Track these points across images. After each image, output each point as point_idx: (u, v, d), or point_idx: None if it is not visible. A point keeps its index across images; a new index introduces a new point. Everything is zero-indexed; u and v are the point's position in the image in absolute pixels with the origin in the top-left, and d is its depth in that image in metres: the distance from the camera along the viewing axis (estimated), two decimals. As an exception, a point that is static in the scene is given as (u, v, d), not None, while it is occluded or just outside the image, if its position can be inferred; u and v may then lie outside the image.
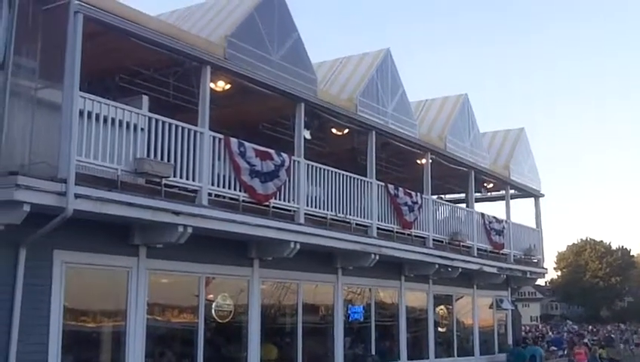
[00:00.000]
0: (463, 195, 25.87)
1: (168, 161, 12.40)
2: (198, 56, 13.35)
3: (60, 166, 10.54)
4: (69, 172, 10.49)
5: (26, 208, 10.07)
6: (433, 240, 20.24)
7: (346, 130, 18.28)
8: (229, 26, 14.60)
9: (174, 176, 12.48)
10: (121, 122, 11.62)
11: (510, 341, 27.09)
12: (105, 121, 11.33)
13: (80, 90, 10.89)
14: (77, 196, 10.56)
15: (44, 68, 11.25)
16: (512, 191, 26.39)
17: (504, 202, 25.94)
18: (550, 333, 61.06)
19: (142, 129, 12.05)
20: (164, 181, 12.27)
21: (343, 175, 16.85)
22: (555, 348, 36.90)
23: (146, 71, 14.34)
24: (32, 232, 10.62)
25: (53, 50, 11.09)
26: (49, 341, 11.18)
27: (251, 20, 14.91)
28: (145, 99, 12.63)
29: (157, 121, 12.30)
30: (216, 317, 14.72)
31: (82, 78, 10.96)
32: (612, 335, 53.98)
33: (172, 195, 12.51)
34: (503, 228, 24.38)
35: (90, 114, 11.07)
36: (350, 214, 16.97)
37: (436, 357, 21.84)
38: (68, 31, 10.88)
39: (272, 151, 14.78)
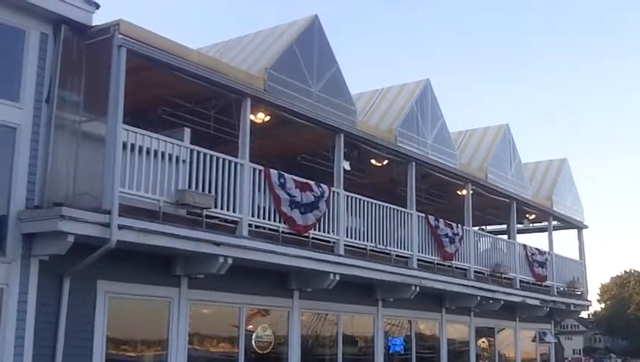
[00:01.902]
0: (504, 226, 25.59)
1: (209, 192, 12.50)
2: (238, 88, 13.49)
3: (103, 197, 10.69)
4: (112, 203, 10.62)
5: (71, 239, 10.22)
6: (475, 271, 20.02)
7: (386, 161, 18.25)
8: (269, 58, 14.76)
9: (215, 208, 12.56)
10: (163, 154, 11.77)
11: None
12: (147, 153, 11.49)
13: (123, 122, 11.07)
14: (120, 227, 10.69)
15: (88, 101, 11.47)
16: (554, 223, 26.03)
17: (547, 233, 25.60)
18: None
19: (183, 161, 12.18)
20: (205, 212, 12.37)
21: (382, 206, 16.80)
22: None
23: (188, 103, 14.52)
24: (76, 263, 10.75)
25: (97, 84, 11.31)
26: (92, 370, 11.28)
27: (291, 52, 15.07)
28: (187, 131, 12.78)
29: (198, 152, 12.43)
30: (256, 348, 14.69)
31: (125, 111, 11.14)
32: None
33: (213, 226, 12.59)
34: (546, 259, 24.03)
35: (133, 146, 11.23)
36: (390, 245, 16.88)
37: (478, 391, 21.50)
38: (111, 65, 11.10)
39: (311, 182, 14.81)
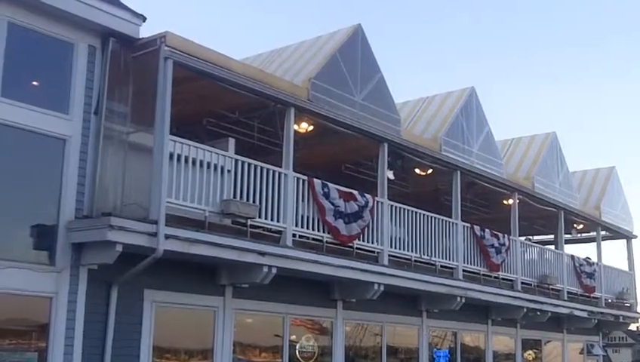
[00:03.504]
0: (551, 237, 25.25)
1: (254, 202, 12.57)
2: (282, 98, 13.56)
3: (151, 207, 10.82)
4: (159, 213, 10.74)
5: (119, 248, 10.35)
6: (521, 283, 19.76)
7: (430, 170, 18.13)
8: (313, 68, 14.81)
9: (259, 217, 12.63)
10: (208, 164, 11.88)
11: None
12: (193, 163, 11.60)
13: (169, 133, 11.20)
14: (167, 236, 10.79)
15: (136, 112, 11.64)
16: (603, 233, 25.59)
17: (595, 243, 25.17)
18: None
19: (228, 171, 12.27)
20: (249, 222, 12.43)
21: (427, 216, 16.70)
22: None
23: (232, 114, 14.62)
24: (123, 272, 10.89)
25: (144, 95, 11.47)
26: (138, 378, 11.41)
27: (334, 62, 15.10)
28: (231, 141, 12.88)
29: (243, 162, 12.50)
30: (300, 359, 14.69)
31: (171, 122, 11.27)
32: None
33: (257, 236, 12.65)
34: (595, 270, 23.63)
35: (179, 156, 11.36)
36: (435, 256, 16.76)
37: (525, 404, 21.19)
38: (158, 76, 11.23)
39: (355, 191, 14.80)
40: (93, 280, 10.86)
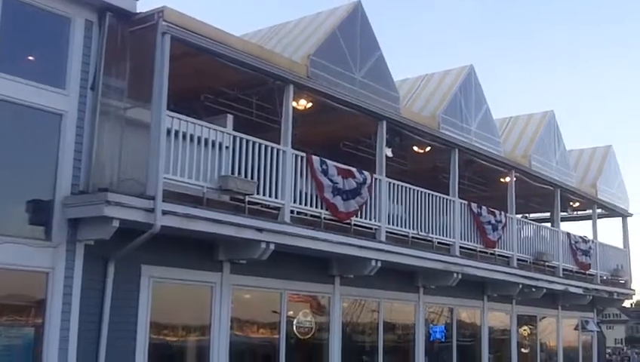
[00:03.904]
0: (547, 214, 25.33)
1: (252, 178, 12.55)
2: (281, 75, 13.49)
3: (148, 183, 10.79)
4: (156, 189, 10.71)
5: (115, 224, 10.34)
6: (517, 259, 19.83)
7: (428, 148, 18.13)
8: (312, 44, 14.72)
9: (257, 194, 12.61)
10: (206, 141, 11.84)
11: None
12: (191, 139, 11.56)
13: (167, 109, 11.14)
14: (164, 212, 10.77)
15: (133, 88, 11.57)
16: (599, 211, 25.66)
17: (591, 221, 25.25)
18: (635, 356, 59.06)
19: (226, 147, 12.23)
20: (247, 198, 12.42)
21: (424, 193, 16.70)
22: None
23: (231, 90, 14.56)
24: (120, 248, 10.89)
25: (142, 71, 11.39)
26: (136, 354, 11.44)
27: (334, 38, 15.00)
28: (230, 118, 12.84)
29: (241, 139, 12.46)
30: (297, 334, 14.76)
31: (169, 98, 11.20)
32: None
33: (255, 212, 12.64)
34: (590, 248, 23.71)
35: (177, 132, 11.32)
36: (432, 232, 16.80)
37: (519, 379, 21.36)
38: (156, 52, 11.15)
39: (353, 169, 14.78)
40: (90, 255, 10.86)
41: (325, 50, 14.66)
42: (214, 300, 12.91)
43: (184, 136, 11.44)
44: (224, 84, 14.28)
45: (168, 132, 11.12)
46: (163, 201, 10.77)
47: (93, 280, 10.91)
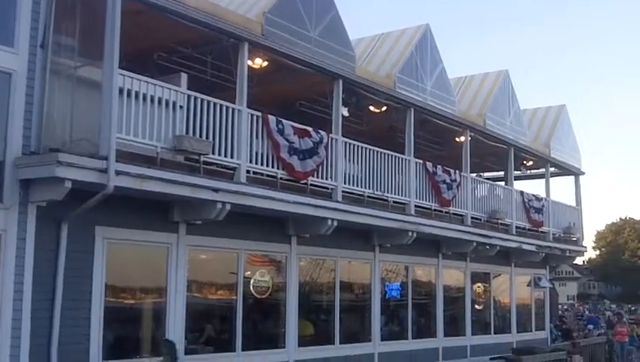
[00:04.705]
0: (502, 173, 25.64)
1: (207, 138, 12.44)
2: (235, 33, 13.33)
3: (100, 143, 10.63)
4: (109, 149, 10.56)
5: (68, 185, 10.18)
6: (471, 218, 20.10)
7: (384, 108, 18.14)
8: (267, 2, 14.53)
9: (213, 154, 12.53)
10: (160, 100, 11.69)
11: (547, 319, 26.96)
12: (144, 98, 11.40)
13: (119, 68, 10.94)
14: (117, 173, 10.64)
15: (84, 46, 11.32)
16: (552, 169, 26.05)
17: (544, 180, 25.65)
18: (587, 312, 60.59)
19: (180, 107, 12.09)
20: (202, 158, 12.32)
21: (380, 152, 16.76)
22: (592, 327, 36.57)
23: (184, 49, 14.36)
24: (73, 209, 10.74)
25: (93, 28, 11.14)
26: (91, 316, 11.36)
27: (289, -5, 14.83)
28: (184, 76, 12.69)
29: (195, 98, 12.33)
30: (254, 294, 14.81)
31: (121, 56, 10.99)
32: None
33: (211, 172, 12.56)
34: (543, 206, 24.11)
35: (129, 92, 11.14)
36: (388, 192, 16.91)
37: (473, 335, 21.76)
38: (107, 8, 10.91)
39: (310, 128, 14.75)
40: (43, 217, 10.69)
41: (280, 7, 14.50)
42: (170, 261, 12.84)
43: (137, 96, 11.27)
44: (178, 42, 14.08)
45: (121, 91, 10.95)
46: (116, 162, 10.63)
47: (46, 241, 10.77)
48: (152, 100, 11.53)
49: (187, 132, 12.12)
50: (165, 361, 10.91)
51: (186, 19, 12.43)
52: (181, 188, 11.83)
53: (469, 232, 19.88)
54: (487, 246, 20.88)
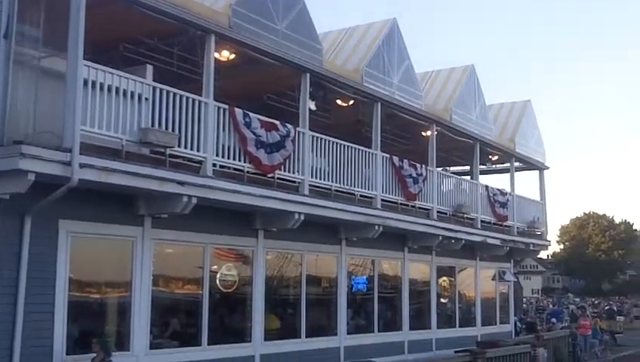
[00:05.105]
0: (467, 168, 25.83)
1: (173, 131, 12.35)
2: (202, 25, 13.23)
3: (64, 135, 10.49)
4: (73, 141, 10.43)
5: (31, 177, 10.05)
6: (437, 212, 20.23)
7: (352, 102, 18.17)
8: (234, -7, 14.44)
9: (179, 147, 12.44)
10: (125, 92, 11.56)
11: (512, 313, 27.25)
12: (109, 90, 11.27)
13: (84, 59, 10.80)
14: (82, 165, 10.52)
15: (48, 37, 11.15)
16: (516, 164, 26.32)
17: (509, 175, 25.90)
18: (550, 306, 61.35)
19: (146, 99, 11.98)
20: (168, 151, 12.22)
21: (347, 146, 16.79)
22: (555, 321, 37.07)
23: (151, 40, 14.23)
24: (37, 202, 10.60)
25: (57, 19, 10.97)
26: (55, 310, 11.22)
27: (256, -12, 14.75)
28: (149, 68, 12.56)
29: (161, 90, 12.23)
30: (220, 288, 14.75)
31: (86, 47, 10.85)
32: (613, 308, 54.20)
33: (177, 165, 12.48)
34: (507, 200, 24.35)
35: (94, 83, 11.01)
36: (355, 186, 16.95)
37: (438, 328, 21.93)
38: (72, -1, 10.76)
39: (277, 122, 14.71)
40: (6, 210, 10.54)
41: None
42: (135, 255, 12.74)
43: (102, 87, 11.15)
44: (144, 34, 13.96)
45: (85, 82, 10.80)
46: (80, 154, 10.51)
47: (9, 235, 10.64)
48: (117, 92, 11.41)
49: (153, 124, 12.01)
50: (98, 357, 10.76)
51: (153, 10, 12.30)
52: (146, 181, 11.74)
53: (434, 226, 20.01)
54: (453, 240, 21.04)
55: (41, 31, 11.13)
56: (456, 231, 20.95)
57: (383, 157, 18.10)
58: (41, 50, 11.13)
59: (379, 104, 18.16)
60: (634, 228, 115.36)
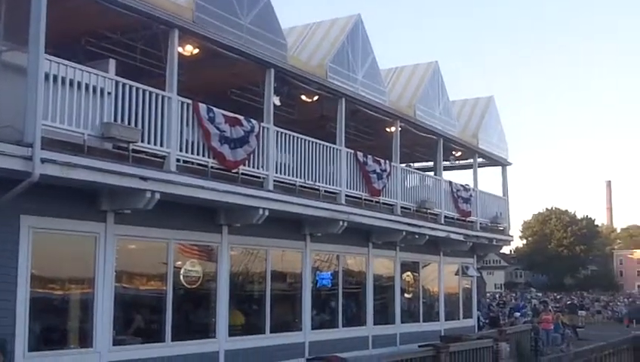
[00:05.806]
0: (431, 163, 26.00)
1: (136, 125, 12.27)
2: (165, 19, 13.15)
3: (26, 130, 10.38)
4: (35, 136, 10.33)
5: (-9, 172, 9.93)
6: (401, 207, 20.36)
7: (316, 97, 18.20)
8: (198, -12, 14.37)
9: (142, 142, 12.36)
10: (87, 86, 11.46)
11: (475, 307, 27.54)
12: (71, 84, 11.16)
13: (46, 53, 10.68)
14: (43, 160, 10.43)
15: (9, 30, 11.05)
16: (479, 160, 26.56)
17: (472, 170, 26.13)
18: (513, 300, 62.15)
19: (109, 93, 11.89)
20: (131, 146, 12.15)
21: (312, 142, 16.82)
22: (518, 314, 37.57)
23: (113, 34, 14.11)
24: (-3, 197, 10.47)
25: (18, 13, 10.87)
26: (16, 307, 11.09)
27: (220, -17, 14.70)
28: (112, 62, 12.49)
29: (124, 85, 12.14)
30: (184, 283, 14.70)
31: (48, 41, 10.74)
32: (575, 303, 55.08)
33: (140, 161, 12.40)
34: (470, 195, 24.57)
35: (56, 77, 10.90)
36: (319, 181, 16.98)
37: (402, 323, 22.09)
38: (32, -8, 10.64)
39: (241, 117, 14.69)
40: (-35, 205, 10.40)
41: (212, -6, 14.36)
42: (98, 251, 12.64)
43: (64, 82, 11.03)
44: (107, 28, 13.84)
45: (46, 77, 10.70)
46: (42, 149, 10.42)
47: (-32, 231, 10.48)
48: (79, 86, 11.30)
49: (115, 119, 11.92)
50: None
51: (116, 4, 12.20)
52: (109, 176, 11.66)
53: (398, 221, 20.15)
54: (417, 236, 21.19)
55: (1, 24, 11.00)
56: (419, 227, 21.09)
57: (347, 152, 18.17)
58: (1, 44, 11.02)
59: (343, 100, 18.22)
60: (595, 223, 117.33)
